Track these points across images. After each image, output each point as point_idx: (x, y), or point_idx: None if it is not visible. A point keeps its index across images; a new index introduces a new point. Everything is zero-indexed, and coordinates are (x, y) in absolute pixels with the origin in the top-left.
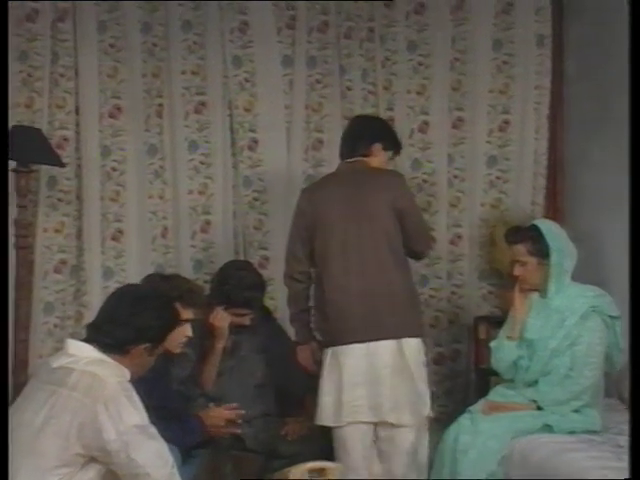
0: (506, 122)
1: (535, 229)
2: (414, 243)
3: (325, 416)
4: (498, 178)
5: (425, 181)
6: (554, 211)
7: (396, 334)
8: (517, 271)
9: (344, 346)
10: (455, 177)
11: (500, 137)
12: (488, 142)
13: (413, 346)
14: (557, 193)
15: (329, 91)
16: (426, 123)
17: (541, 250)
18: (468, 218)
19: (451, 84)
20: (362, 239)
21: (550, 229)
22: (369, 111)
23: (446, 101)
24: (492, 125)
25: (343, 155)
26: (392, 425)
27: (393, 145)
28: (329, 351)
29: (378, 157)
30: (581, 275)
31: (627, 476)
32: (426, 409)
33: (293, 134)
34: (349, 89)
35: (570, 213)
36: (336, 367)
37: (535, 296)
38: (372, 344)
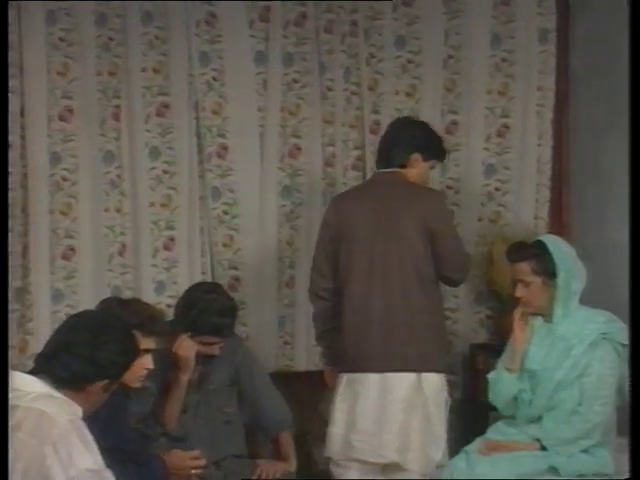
0: (505, 126)
1: (541, 245)
2: (447, 269)
3: (332, 449)
4: (497, 189)
5: None
6: (560, 227)
7: (415, 367)
8: (519, 292)
9: (360, 374)
10: (449, 188)
11: (499, 143)
12: (485, 149)
13: (434, 382)
14: (563, 206)
15: (307, 91)
16: None
17: (547, 269)
18: (463, 234)
19: (444, 84)
20: (388, 259)
21: (557, 246)
22: (352, 114)
23: (439, 103)
24: (490, 130)
25: (378, 164)
26: (398, 466)
27: (435, 154)
28: (344, 377)
29: (416, 169)
30: (590, 298)
31: None
32: (438, 454)
33: (267, 140)
34: (330, 89)
35: (578, 229)
36: (349, 395)
37: (538, 321)
38: (389, 375)
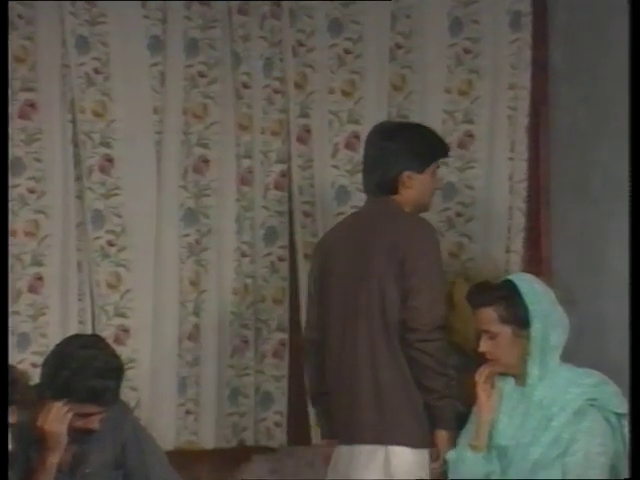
0: (469, 135)
1: (510, 286)
2: (407, 314)
3: None
4: (458, 215)
5: None
6: (537, 261)
7: (380, 439)
8: (484, 346)
9: (336, 442)
10: None
11: (461, 156)
12: (444, 163)
13: (404, 458)
14: (541, 236)
15: (217, 89)
16: (356, 136)
17: (518, 316)
18: None
19: (391, 80)
20: (358, 307)
21: (531, 286)
22: (274, 118)
23: (384, 105)
24: (449, 139)
25: (365, 188)
26: None
27: (433, 156)
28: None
29: (413, 188)
30: (576, 353)
31: None
32: None
33: (165, 150)
34: (246, 86)
35: (560, 264)
36: (331, 468)
37: (509, 384)
38: (355, 448)
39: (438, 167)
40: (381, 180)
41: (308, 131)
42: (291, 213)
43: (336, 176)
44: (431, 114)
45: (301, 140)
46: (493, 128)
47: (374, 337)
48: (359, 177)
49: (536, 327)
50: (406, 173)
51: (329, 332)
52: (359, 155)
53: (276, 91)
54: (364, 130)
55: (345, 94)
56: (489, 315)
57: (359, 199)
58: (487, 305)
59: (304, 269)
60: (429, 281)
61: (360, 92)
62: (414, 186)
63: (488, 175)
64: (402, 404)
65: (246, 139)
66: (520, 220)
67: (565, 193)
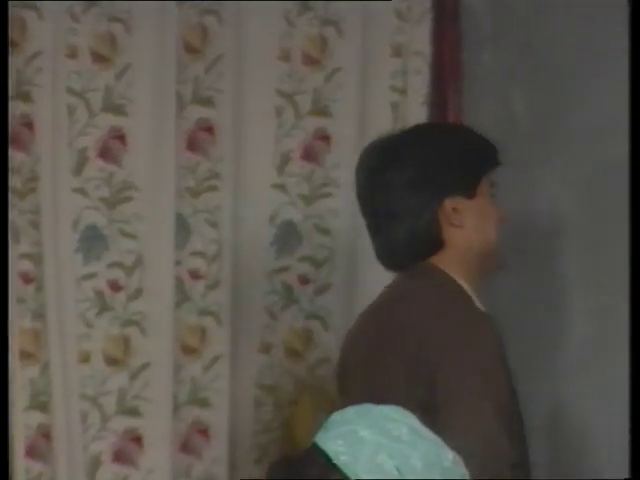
0: (323, 138)
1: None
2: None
3: None
4: (304, 280)
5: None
6: None
7: None
8: None
9: None
10: (196, 277)
11: (307, 176)
12: (278, 186)
13: None
14: None
15: None
16: (120, 136)
17: None
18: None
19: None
20: None
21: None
22: None
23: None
24: (281, 147)
25: (385, 264)
26: None
27: (482, 166)
28: None
29: (463, 227)
30: None
31: None
32: None
33: None
34: None
35: None
36: None
37: None
38: None
39: (493, 186)
40: (407, 234)
41: None
42: None
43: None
44: (255, 108)
45: None
46: (363, 130)
47: None
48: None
49: None
50: (448, 203)
51: None
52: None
53: None
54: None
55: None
56: None
57: None
58: None
59: None
60: (469, 399)
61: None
62: (465, 221)
63: (356, 209)
64: None
65: None
66: None
67: None
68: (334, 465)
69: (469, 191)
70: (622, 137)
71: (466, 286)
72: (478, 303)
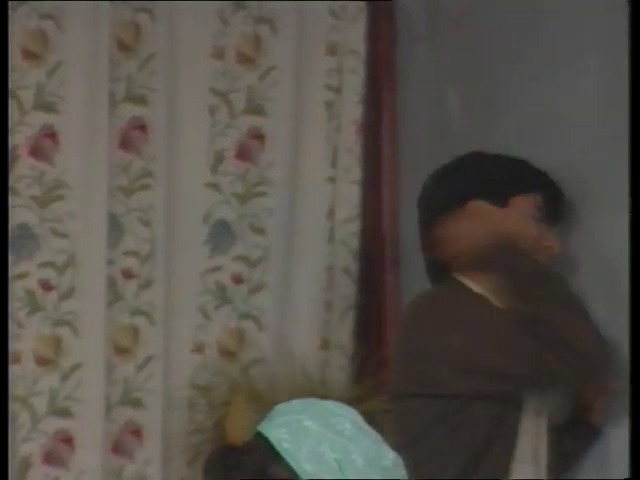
0: (257, 136)
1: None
2: None
3: None
4: (237, 280)
5: None
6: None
7: None
8: None
9: None
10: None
11: (241, 175)
12: (211, 185)
13: None
14: (386, 317)
15: None
16: (52, 134)
17: None
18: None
19: None
20: None
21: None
22: None
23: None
24: (214, 146)
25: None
26: None
27: (509, 183)
28: None
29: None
30: None
31: None
32: None
33: None
34: None
35: None
36: None
37: None
38: None
39: (539, 209)
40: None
41: None
42: None
43: None
44: (188, 107)
45: None
46: (298, 129)
47: None
48: None
49: None
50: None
51: None
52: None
53: None
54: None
55: None
56: None
57: None
58: None
59: None
60: None
61: None
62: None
63: (291, 208)
64: None
65: None
66: (346, 297)
67: (413, 241)
68: (276, 454)
69: (498, 198)
70: (554, 139)
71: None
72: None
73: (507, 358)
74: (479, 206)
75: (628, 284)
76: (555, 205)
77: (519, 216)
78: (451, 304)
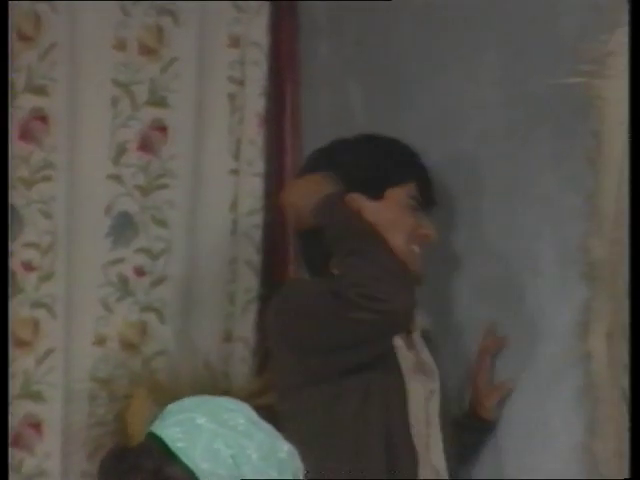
0: (159, 128)
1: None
2: None
3: None
4: (139, 272)
5: None
6: None
7: None
8: None
9: None
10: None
11: (143, 166)
12: (113, 178)
13: None
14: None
15: None
16: None
17: None
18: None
19: None
20: None
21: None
22: None
23: None
24: (115, 139)
25: None
26: None
27: (385, 175)
28: None
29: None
30: None
31: None
32: None
33: None
34: None
35: None
36: None
37: None
38: None
39: (413, 198)
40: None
41: None
42: None
43: None
44: (90, 100)
45: None
46: (200, 123)
47: None
48: None
49: None
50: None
51: None
52: None
53: None
54: None
55: None
56: None
57: None
58: None
59: None
60: None
61: None
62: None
63: (193, 200)
64: None
65: None
66: (249, 289)
67: None
68: (171, 454)
69: (373, 192)
70: (455, 131)
71: None
72: None
73: (327, 331)
74: (354, 199)
75: (628, 284)
76: (427, 191)
77: (394, 207)
78: (295, 292)
